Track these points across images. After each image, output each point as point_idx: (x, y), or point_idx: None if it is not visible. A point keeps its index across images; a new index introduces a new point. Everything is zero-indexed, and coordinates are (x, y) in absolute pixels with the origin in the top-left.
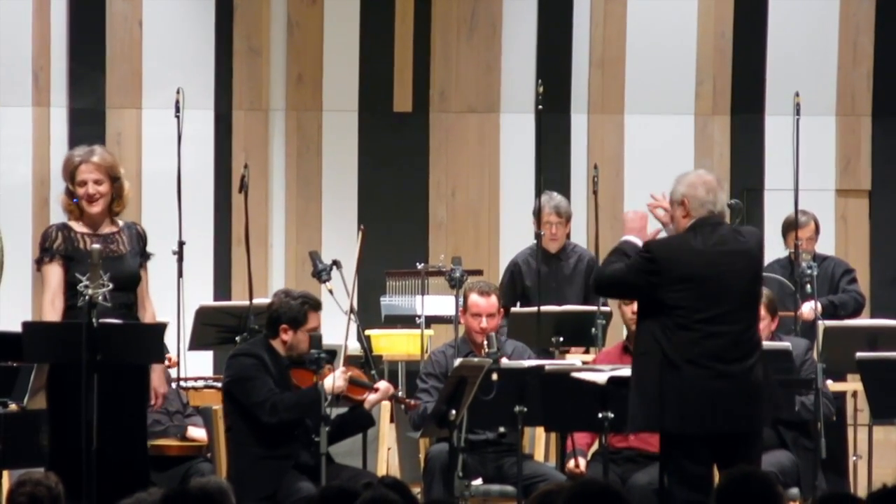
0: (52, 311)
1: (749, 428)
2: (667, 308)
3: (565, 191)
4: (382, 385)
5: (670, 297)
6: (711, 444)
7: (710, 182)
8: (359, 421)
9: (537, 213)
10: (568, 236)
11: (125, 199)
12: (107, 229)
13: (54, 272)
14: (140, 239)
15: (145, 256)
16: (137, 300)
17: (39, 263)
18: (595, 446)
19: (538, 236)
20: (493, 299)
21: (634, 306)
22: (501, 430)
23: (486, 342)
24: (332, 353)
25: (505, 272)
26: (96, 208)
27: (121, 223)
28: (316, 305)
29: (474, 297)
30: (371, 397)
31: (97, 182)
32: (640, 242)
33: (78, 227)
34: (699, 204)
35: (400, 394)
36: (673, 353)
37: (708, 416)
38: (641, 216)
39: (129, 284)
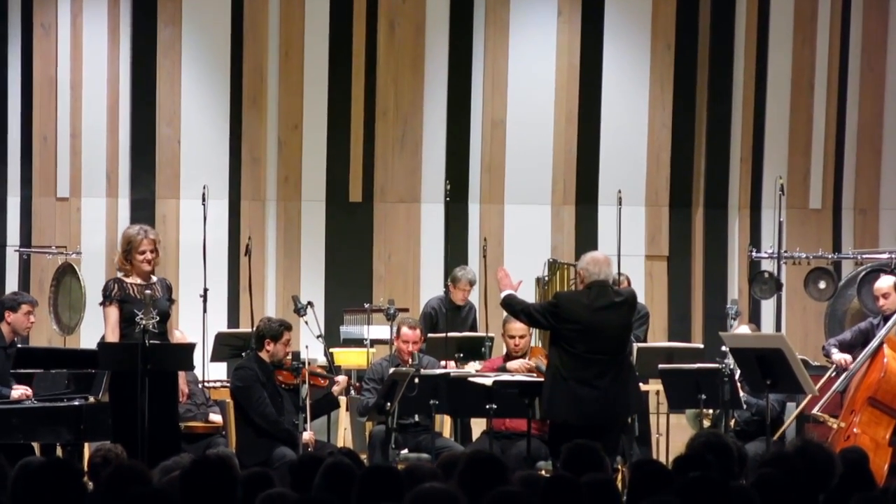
0: (113, 339)
1: (606, 421)
2: (563, 340)
3: (464, 258)
4: (341, 378)
5: (564, 333)
6: (584, 431)
7: (598, 259)
8: (330, 404)
9: (455, 282)
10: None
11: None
12: (149, 280)
13: (112, 313)
14: (168, 289)
15: (171, 301)
16: (167, 330)
17: (102, 305)
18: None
19: (453, 294)
20: (417, 331)
21: (517, 340)
22: (417, 418)
23: (410, 358)
24: (303, 362)
25: (423, 314)
26: (150, 267)
27: (154, 278)
28: (288, 327)
29: (404, 329)
30: (335, 388)
31: (152, 251)
32: (513, 291)
33: (128, 279)
34: (589, 274)
35: (355, 384)
36: (564, 371)
37: (582, 412)
38: (504, 275)
39: (163, 318)
